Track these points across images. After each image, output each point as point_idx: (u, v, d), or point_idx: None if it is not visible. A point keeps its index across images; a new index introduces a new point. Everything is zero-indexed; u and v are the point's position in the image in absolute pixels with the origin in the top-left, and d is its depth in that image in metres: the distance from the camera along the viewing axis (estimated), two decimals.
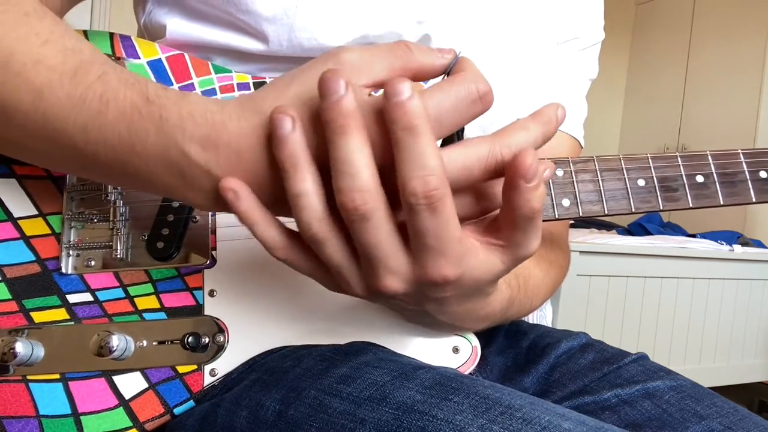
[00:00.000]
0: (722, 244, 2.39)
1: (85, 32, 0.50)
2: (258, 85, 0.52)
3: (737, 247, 2.34)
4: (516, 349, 0.61)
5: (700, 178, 0.52)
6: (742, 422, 0.48)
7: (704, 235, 2.64)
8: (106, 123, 0.35)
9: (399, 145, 0.31)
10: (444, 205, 0.32)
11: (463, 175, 0.34)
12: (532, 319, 1.74)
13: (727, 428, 0.47)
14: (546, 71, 0.64)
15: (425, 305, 0.39)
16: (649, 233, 2.71)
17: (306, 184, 0.33)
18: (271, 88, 0.35)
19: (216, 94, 0.51)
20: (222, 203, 0.35)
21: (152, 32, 0.57)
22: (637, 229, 2.80)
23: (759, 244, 2.70)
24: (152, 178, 0.36)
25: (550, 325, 0.68)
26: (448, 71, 0.36)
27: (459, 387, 0.38)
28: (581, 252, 1.91)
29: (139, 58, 0.50)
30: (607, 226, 2.96)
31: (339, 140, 0.31)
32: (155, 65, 0.51)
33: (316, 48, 0.51)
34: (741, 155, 0.52)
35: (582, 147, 0.68)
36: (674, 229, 2.94)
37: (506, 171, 0.33)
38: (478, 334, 0.51)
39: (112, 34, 0.51)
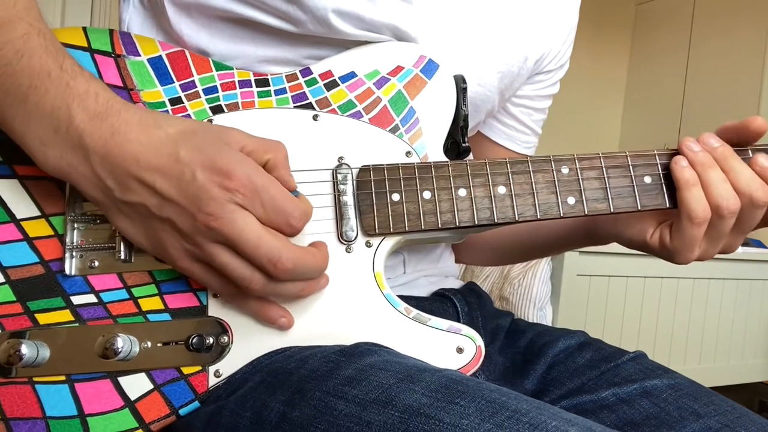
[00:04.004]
0: None
1: (84, 29, 0.49)
2: (259, 81, 0.51)
3: None
4: (514, 348, 0.61)
5: None
6: (740, 420, 0.48)
7: None
8: (12, 72, 0.40)
9: None
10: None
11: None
12: (532, 318, 1.74)
13: (724, 426, 0.48)
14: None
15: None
16: None
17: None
18: (172, 118, 0.43)
19: (217, 92, 0.50)
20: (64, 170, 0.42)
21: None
22: None
23: (759, 244, 2.69)
24: (26, 129, 0.41)
25: (549, 325, 0.68)
26: None
27: (465, 390, 0.38)
28: (581, 252, 1.90)
29: (140, 55, 0.50)
30: None
31: None
32: (155, 62, 0.50)
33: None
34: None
35: None
36: None
37: None
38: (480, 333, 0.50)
39: (112, 31, 0.50)
